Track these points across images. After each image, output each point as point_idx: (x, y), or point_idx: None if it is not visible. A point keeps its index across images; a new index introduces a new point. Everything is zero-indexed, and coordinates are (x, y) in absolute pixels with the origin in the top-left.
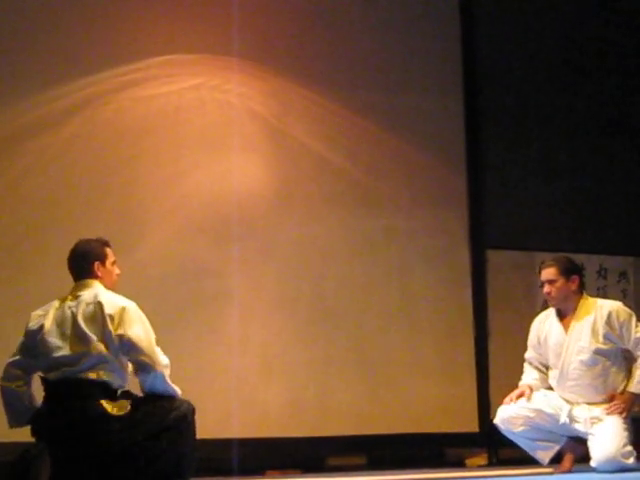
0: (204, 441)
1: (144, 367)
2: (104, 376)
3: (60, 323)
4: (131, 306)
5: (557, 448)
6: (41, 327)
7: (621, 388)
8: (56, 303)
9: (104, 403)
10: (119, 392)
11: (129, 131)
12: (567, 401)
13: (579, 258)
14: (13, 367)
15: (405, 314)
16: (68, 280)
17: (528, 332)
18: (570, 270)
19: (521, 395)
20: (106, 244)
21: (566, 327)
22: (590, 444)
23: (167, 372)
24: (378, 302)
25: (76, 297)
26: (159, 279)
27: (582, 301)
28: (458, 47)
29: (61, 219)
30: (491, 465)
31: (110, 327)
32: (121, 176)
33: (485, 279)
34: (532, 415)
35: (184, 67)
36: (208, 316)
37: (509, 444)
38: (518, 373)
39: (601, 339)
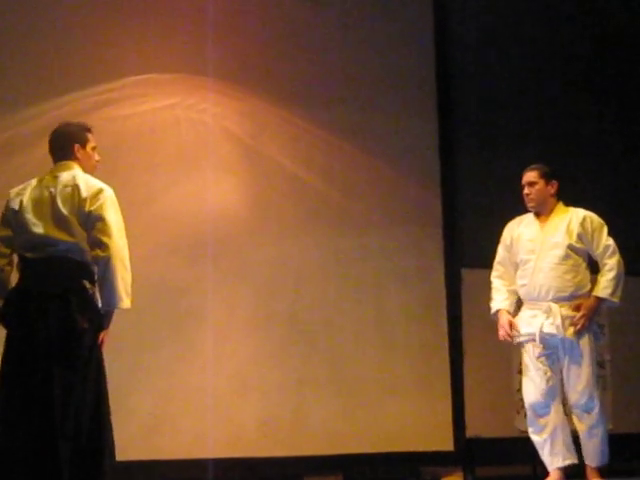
0: (178, 461)
1: (103, 247)
2: (85, 257)
3: (38, 201)
4: (108, 190)
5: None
6: (20, 203)
7: (586, 290)
8: (34, 182)
9: (86, 283)
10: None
11: (103, 151)
12: (534, 317)
13: None
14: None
15: (380, 333)
16: None
17: (502, 350)
18: (550, 175)
19: (510, 326)
20: (88, 129)
21: (542, 225)
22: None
23: (123, 269)
24: (353, 321)
25: (54, 177)
26: (134, 299)
27: (558, 206)
28: (432, 66)
29: None
30: None
31: (86, 209)
32: None
33: (460, 298)
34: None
35: (159, 87)
36: (182, 335)
37: (485, 462)
38: (493, 392)
39: (575, 237)
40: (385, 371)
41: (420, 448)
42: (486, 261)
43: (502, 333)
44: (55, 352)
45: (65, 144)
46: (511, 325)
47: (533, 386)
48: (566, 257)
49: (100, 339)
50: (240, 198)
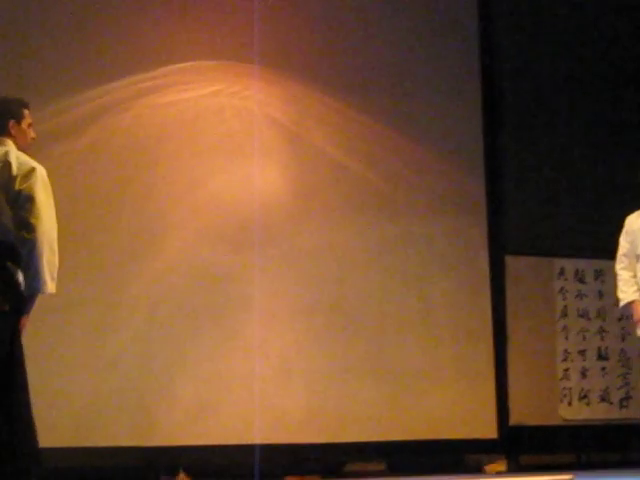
0: (223, 447)
1: (29, 229)
2: (9, 238)
3: None
4: (41, 170)
5: None
6: None
7: None
8: None
9: (9, 265)
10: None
11: (148, 138)
12: None
13: (599, 264)
14: None
15: (423, 320)
16: (85, 286)
17: (546, 338)
18: None
19: None
20: (25, 105)
21: None
22: None
23: (50, 253)
24: (396, 308)
25: None
26: (179, 286)
27: None
28: (476, 52)
29: (80, 226)
30: (510, 471)
31: (15, 187)
32: (140, 183)
33: (504, 285)
34: None
35: (203, 74)
36: (228, 322)
37: (529, 450)
38: (537, 380)
39: None
40: (429, 358)
41: (463, 436)
42: (530, 248)
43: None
44: None
45: None
46: None
47: None
48: None
49: (21, 324)
50: (284, 185)
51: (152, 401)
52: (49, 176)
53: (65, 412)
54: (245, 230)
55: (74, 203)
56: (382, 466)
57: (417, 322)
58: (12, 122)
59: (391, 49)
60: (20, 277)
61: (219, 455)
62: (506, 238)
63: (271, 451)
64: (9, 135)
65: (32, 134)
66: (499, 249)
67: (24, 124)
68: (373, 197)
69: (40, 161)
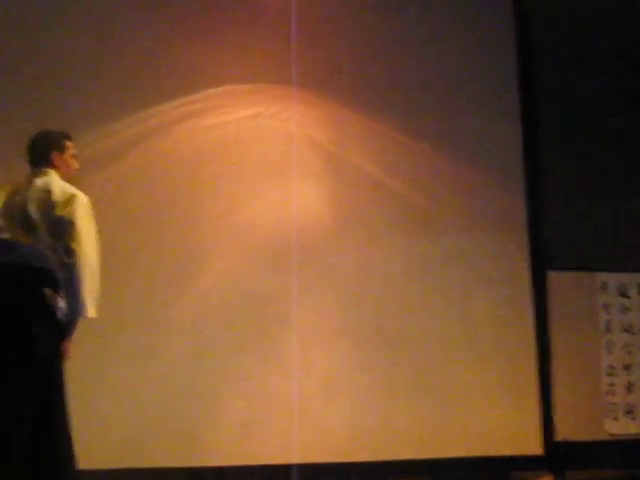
0: (267, 467)
1: (70, 253)
2: (48, 264)
3: (11, 207)
4: (82, 197)
5: None
6: None
7: None
8: (10, 186)
9: (47, 291)
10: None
11: (188, 162)
12: None
13: None
14: None
15: (466, 337)
16: (129, 309)
17: (590, 353)
18: None
19: None
20: (67, 137)
21: None
22: None
23: (90, 277)
24: (439, 326)
25: (29, 182)
26: (221, 306)
27: None
28: (514, 70)
29: (123, 250)
30: None
31: (56, 213)
32: (181, 206)
33: (546, 301)
34: None
35: (242, 97)
36: (270, 342)
37: (575, 466)
38: (582, 395)
39: None
40: (472, 376)
41: (509, 452)
42: (572, 263)
43: None
44: (8, 359)
45: (42, 151)
46: None
47: None
48: None
49: (64, 349)
50: (324, 205)
51: (197, 422)
52: (92, 201)
53: (110, 434)
54: (286, 250)
55: (117, 227)
56: None
57: (460, 340)
58: (55, 153)
59: (431, 69)
60: (60, 302)
61: (263, 475)
62: (548, 254)
63: (315, 471)
64: (53, 166)
65: (76, 165)
66: (541, 265)
67: (67, 155)
68: (413, 216)
69: (83, 187)
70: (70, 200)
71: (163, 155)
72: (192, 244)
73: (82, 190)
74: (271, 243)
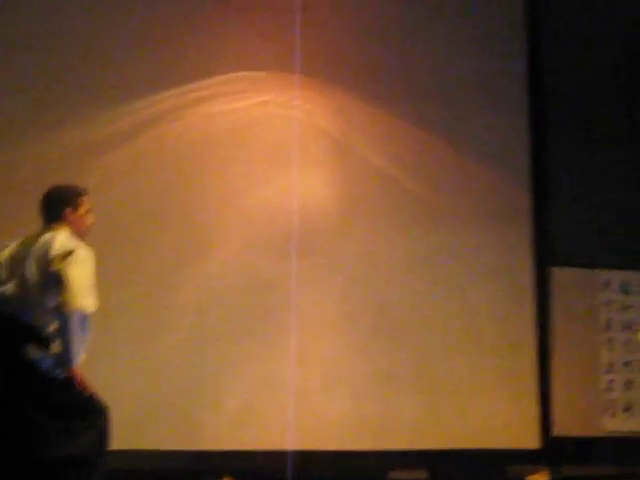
0: (265, 452)
1: (61, 305)
2: (34, 319)
3: (14, 260)
4: (80, 250)
5: None
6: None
7: None
8: (21, 240)
9: (30, 349)
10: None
11: (196, 147)
12: None
13: None
14: None
15: (467, 330)
16: (133, 292)
17: (590, 349)
18: None
19: None
20: (82, 194)
21: None
22: None
23: (79, 329)
24: (440, 317)
25: (37, 237)
26: (224, 292)
27: None
28: (524, 62)
29: (128, 232)
30: None
31: (52, 267)
32: (188, 190)
33: (548, 297)
34: None
35: (251, 84)
36: (271, 328)
37: (571, 461)
38: (580, 391)
39: None
40: (472, 368)
41: (506, 445)
42: (575, 260)
43: None
44: None
45: (55, 208)
46: None
47: None
48: None
49: (73, 376)
50: (330, 193)
51: (198, 405)
52: (100, 184)
53: (111, 415)
54: (290, 238)
55: (123, 209)
56: (424, 475)
57: (460, 331)
58: (69, 210)
59: (438, 59)
60: (45, 357)
61: (263, 460)
62: (551, 249)
63: (312, 458)
64: (65, 222)
65: (90, 219)
66: (544, 260)
67: (81, 211)
68: (419, 207)
69: (89, 171)
70: (67, 254)
71: (171, 140)
72: (197, 229)
73: (93, 173)
74: (276, 230)
